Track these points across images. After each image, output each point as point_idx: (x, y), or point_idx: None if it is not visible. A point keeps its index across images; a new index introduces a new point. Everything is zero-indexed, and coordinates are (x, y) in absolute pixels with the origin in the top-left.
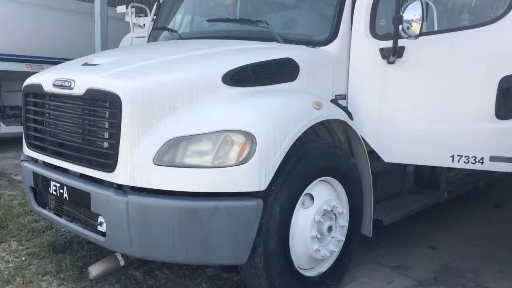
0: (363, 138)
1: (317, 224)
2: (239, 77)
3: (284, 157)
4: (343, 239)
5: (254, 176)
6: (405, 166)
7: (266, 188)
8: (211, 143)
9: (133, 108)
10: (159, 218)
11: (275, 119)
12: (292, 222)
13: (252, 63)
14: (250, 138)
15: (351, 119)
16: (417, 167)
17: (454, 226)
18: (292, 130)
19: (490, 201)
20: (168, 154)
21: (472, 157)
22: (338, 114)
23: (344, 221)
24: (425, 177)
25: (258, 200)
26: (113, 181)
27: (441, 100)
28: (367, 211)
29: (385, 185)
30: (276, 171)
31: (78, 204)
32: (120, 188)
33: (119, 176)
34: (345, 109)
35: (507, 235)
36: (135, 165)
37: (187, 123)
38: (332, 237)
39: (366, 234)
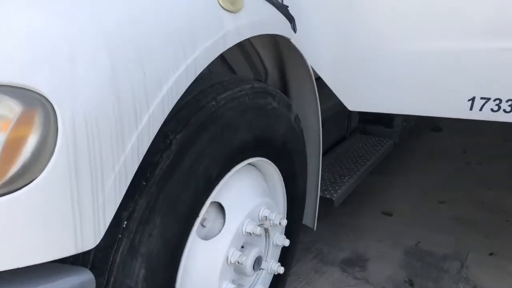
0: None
1: (232, 267)
2: None
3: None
4: (277, 266)
5: (62, 216)
6: None
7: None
8: None
9: None
10: None
11: (125, 51)
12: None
13: None
14: (42, 109)
15: (294, 31)
16: None
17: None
18: (170, 74)
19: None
20: None
21: (496, 99)
22: (275, 23)
23: (280, 236)
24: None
25: (81, 275)
26: None
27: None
28: (311, 189)
29: (330, 133)
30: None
31: None
32: None
33: None
34: (285, 10)
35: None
36: None
37: None
38: (261, 269)
39: (309, 225)
